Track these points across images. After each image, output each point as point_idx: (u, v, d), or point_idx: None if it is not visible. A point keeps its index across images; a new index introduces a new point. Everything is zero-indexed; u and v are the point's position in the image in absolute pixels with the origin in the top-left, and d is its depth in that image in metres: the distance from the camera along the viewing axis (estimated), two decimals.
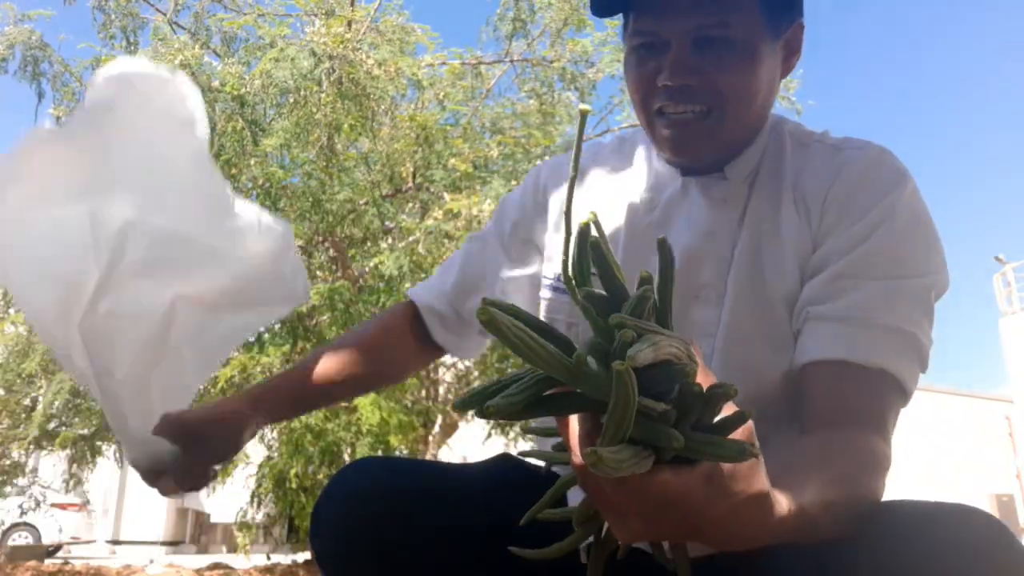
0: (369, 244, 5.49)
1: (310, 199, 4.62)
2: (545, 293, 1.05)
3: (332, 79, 4.22)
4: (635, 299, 0.54)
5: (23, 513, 7.41)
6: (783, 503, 0.59)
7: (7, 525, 10.37)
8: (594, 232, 0.57)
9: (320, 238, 5.10)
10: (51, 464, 7.19)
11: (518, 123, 6.23)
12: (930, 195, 0.89)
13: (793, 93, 6.18)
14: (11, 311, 6.25)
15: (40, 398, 6.30)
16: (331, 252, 5.31)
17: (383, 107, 4.58)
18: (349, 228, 5.26)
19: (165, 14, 5.33)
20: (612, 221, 1.00)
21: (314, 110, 4.30)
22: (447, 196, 4.99)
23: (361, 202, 5.18)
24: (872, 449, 0.76)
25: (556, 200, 1.07)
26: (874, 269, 0.83)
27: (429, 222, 5.01)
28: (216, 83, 4.33)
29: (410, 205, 5.43)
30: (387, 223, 5.29)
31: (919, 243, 0.86)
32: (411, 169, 5.16)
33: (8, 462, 7.01)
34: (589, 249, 0.56)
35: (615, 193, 1.02)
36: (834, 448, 0.75)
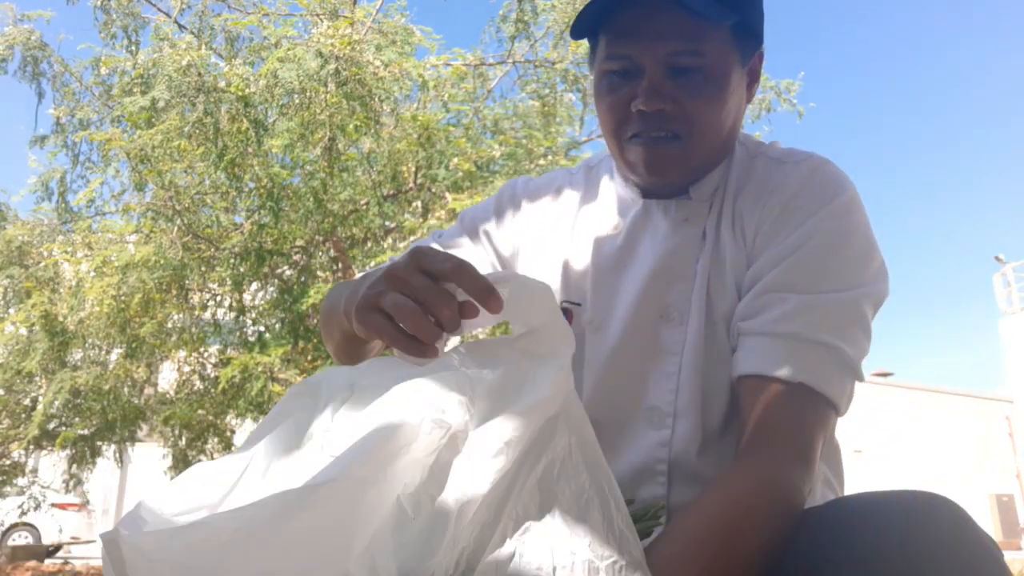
0: (371, 244, 5.48)
1: (312, 199, 4.62)
2: None
3: (338, 80, 4.22)
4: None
5: (23, 513, 7.37)
6: None
7: (7, 525, 10.31)
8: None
9: (321, 238, 5.10)
10: (51, 464, 7.17)
11: (519, 124, 6.24)
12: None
13: (794, 96, 6.18)
14: (11, 311, 6.24)
15: (40, 398, 6.29)
16: (332, 252, 5.30)
17: (388, 108, 4.58)
18: (351, 228, 5.26)
19: (169, 15, 5.33)
20: (580, 247, 1.01)
21: (318, 111, 4.30)
22: (449, 196, 4.99)
23: (363, 202, 5.17)
24: (771, 483, 0.74)
25: (533, 224, 1.06)
26: (799, 283, 0.84)
27: (432, 222, 5.01)
28: (221, 84, 4.33)
29: (412, 205, 5.43)
30: (388, 223, 5.29)
31: (846, 256, 0.86)
32: (413, 169, 5.16)
33: (8, 462, 6.99)
34: None
35: (583, 220, 1.04)
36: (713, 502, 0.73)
